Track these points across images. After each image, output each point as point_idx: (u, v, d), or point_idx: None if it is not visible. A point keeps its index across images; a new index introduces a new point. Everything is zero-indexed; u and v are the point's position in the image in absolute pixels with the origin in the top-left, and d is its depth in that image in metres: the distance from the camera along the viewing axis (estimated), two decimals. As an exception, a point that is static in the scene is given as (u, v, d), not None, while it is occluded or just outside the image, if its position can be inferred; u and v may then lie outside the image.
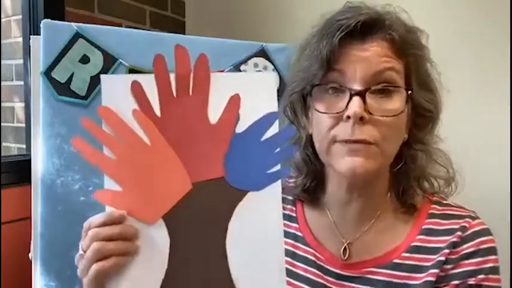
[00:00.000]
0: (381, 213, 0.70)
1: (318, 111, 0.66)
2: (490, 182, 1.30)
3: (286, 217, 0.78)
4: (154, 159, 0.61)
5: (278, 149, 0.62)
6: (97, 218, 0.59)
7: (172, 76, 0.62)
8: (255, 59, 1.22)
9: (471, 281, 0.63)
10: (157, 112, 0.61)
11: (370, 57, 0.63)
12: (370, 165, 0.62)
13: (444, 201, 0.71)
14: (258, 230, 0.62)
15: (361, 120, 0.61)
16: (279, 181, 0.62)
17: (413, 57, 0.66)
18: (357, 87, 0.62)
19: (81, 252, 0.60)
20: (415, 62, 0.66)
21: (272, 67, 1.24)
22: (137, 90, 0.61)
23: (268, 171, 0.62)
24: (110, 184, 0.61)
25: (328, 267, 0.71)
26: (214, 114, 0.62)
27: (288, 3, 1.71)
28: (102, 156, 0.60)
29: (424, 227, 0.68)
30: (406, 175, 0.69)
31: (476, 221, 0.67)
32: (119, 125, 0.60)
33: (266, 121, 0.62)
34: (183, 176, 0.62)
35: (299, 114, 0.72)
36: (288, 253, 0.74)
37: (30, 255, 0.99)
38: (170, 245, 0.62)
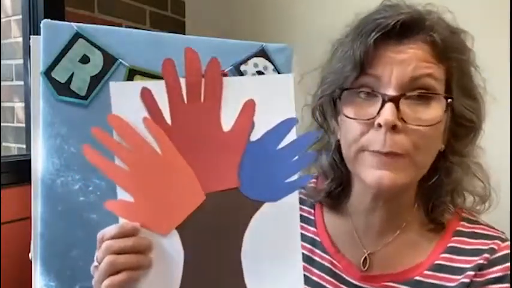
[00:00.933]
0: (406, 226, 0.66)
1: (347, 116, 0.62)
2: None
3: (304, 219, 0.74)
4: (166, 169, 0.59)
5: (296, 157, 0.59)
6: (110, 230, 0.58)
7: (183, 81, 0.58)
8: (255, 59, 1.22)
9: None
10: (168, 120, 0.59)
11: (407, 60, 0.58)
12: (399, 178, 0.58)
13: (473, 218, 0.67)
14: (275, 243, 0.59)
15: (393, 129, 0.57)
16: (297, 191, 0.59)
17: (455, 61, 0.61)
18: (391, 92, 0.58)
19: (95, 263, 0.59)
20: (458, 67, 0.61)
21: (272, 67, 1.23)
22: (147, 98, 0.58)
23: (286, 181, 0.59)
24: (122, 195, 0.59)
25: (345, 276, 0.67)
26: (228, 121, 0.59)
27: (288, 3, 1.71)
28: (114, 166, 0.58)
29: (449, 245, 0.64)
30: (438, 189, 0.64)
31: (506, 244, 0.63)
32: (130, 134, 0.58)
33: (283, 128, 0.59)
34: (196, 186, 0.59)
35: (329, 118, 0.68)
36: (304, 258, 0.70)
37: (30, 255, 0.99)
38: (184, 256, 0.60)
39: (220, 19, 1.86)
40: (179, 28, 1.96)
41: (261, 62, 1.28)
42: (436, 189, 0.65)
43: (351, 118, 0.62)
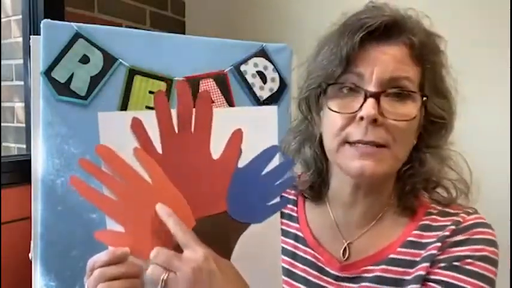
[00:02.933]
0: (383, 215, 0.70)
1: (332, 110, 0.65)
2: (490, 182, 1.30)
3: (287, 216, 0.78)
4: (156, 197, 0.60)
5: (278, 182, 0.63)
6: (101, 257, 0.59)
7: (173, 112, 0.60)
8: (255, 59, 1.22)
9: (456, 263, 0.63)
10: (159, 149, 0.60)
11: (388, 60, 0.62)
12: (379, 168, 0.62)
13: (446, 202, 0.70)
14: (259, 257, 0.62)
15: (374, 122, 0.61)
16: (279, 212, 0.62)
17: (430, 63, 0.65)
18: (373, 89, 0.62)
19: None
20: (431, 68, 0.65)
21: (272, 67, 1.24)
22: (137, 127, 0.59)
23: (269, 203, 0.62)
24: (111, 225, 0.60)
25: (327, 268, 0.71)
26: (217, 149, 0.62)
27: (288, 3, 1.71)
28: (102, 197, 0.59)
29: (421, 223, 0.68)
30: (413, 178, 0.68)
31: (472, 216, 0.66)
32: (119, 165, 0.59)
33: (267, 155, 0.63)
34: (187, 213, 0.61)
35: (313, 111, 0.72)
36: (288, 253, 0.74)
37: (30, 255, 0.99)
38: None
39: (220, 19, 1.86)
40: (179, 28, 1.96)
41: (261, 62, 1.28)
42: (411, 178, 0.69)
43: (334, 111, 0.65)
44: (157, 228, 0.60)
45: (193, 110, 0.61)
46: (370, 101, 0.61)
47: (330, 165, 0.72)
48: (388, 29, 0.63)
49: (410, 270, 0.65)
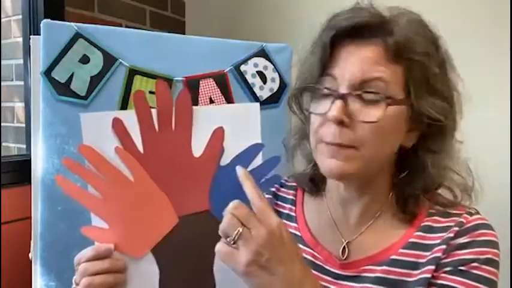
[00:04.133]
0: (381, 214, 0.70)
1: (308, 111, 0.68)
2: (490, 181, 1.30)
3: (285, 216, 0.78)
4: (139, 195, 0.62)
5: (263, 179, 0.64)
6: (85, 253, 0.62)
7: (154, 111, 0.62)
8: (255, 59, 1.22)
9: (462, 268, 0.62)
10: (140, 148, 0.62)
11: (359, 62, 0.62)
12: (346, 167, 0.63)
13: (448, 203, 0.69)
14: None
15: (341, 123, 0.61)
16: None
17: (415, 62, 0.62)
18: (342, 90, 0.62)
19: (74, 286, 0.63)
20: (419, 67, 0.63)
21: (272, 67, 1.24)
22: (118, 127, 0.61)
23: None
24: (96, 221, 0.62)
25: (326, 267, 0.71)
26: (198, 147, 0.63)
27: (288, 3, 1.71)
28: (87, 194, 0.61)
29: (423, 224, 0.67)
30: (412, 184, 0.67)
31: (475, 217, 0.66)
32: (101, 164, 0.61)
33: (250, 153, 0.64)
34: (169, 210, 0.63)
35: (304, 109, 0.73)
36: None
37: (30, 255, 0.99)
38: (160, 276, 0.64)
39: (220, 19, 1.86)
40: (179, 28, 1.96)
41: (261, 61, 1.28)
42: (410, 184, 0.68)
43: (311, 112, 0.67)
44: (140, 225, 0.63)
45: (173, 108, 0.62)
46: (337, 102, 0.62)
47: None
48: (361, 29, 0.63)
49: (414, 272, 0.65)
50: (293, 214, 0.78)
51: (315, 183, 0.76)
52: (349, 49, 0.63)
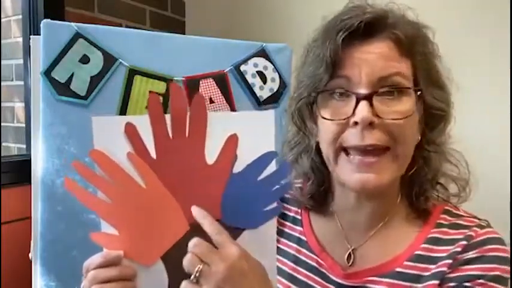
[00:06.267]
0: (390, 219, 0.68)
1: (324, 118, 0.63)
2: (490, 181, 1.30)
3: (291, 219, 0.76)
4: (150, 202, 0.61)
5: (276, 187, 0.63)
6: (94, 260, 0.60)
7: (167, 117, 0.61)
8: (255, 59, 1.22)
9: (467, 284, 0.60)
10: (153, 154, 0.60)
11: (375, 60, 0.60)
12: (382, 178, 0.60)
13: (456, 211, 0.68)
14: None
15: (370, 125, 0.59)
16: (275, 218, 0.62)
17: (420, 55, 0.63)
18: (363, 91, 0.60)
19: None
20: (424, 60, 0.63)
21: (272, 67, 1.23)
22: (131, 133, 0.60)
23: (265, 209, 0.62)
24: (106, 228, 0.61)
25: (330, 275, 0.69)
26: (212, 154, 0.62)
27: (288, 3, 1.71)
28: (96, 200, 0.60)
29: (430, 235, 0.65)
30: (420, 179, 0.66)
31: (485, 230, 0.63)
32: (112, 169, 0.59)
33: (264, 160, 0.63)
34: (180, 217, 0.61)
35: (307, 121, 0.69)
36: (291, 257, 0.73)
37: (30, 255, 0.99)
38: (169, 283, 0.62)
39: (220, 19, 1.86)
40: (179, 28, 1.96)
41: (261, 62, 1.28)
42: (418, 180, 0.66)
43: (327, 119, 0.63)
44: (151, 232, 0.61)
45: (188, 113, 0.61)
46: (363, 103, 0.59)
47: (331, 173, 0.70)
48: (370, 27, 0.61)
49: (417, 285, 0.63)
50: (299, 217, 0.76)
51: (316, 199, 0.73)
52: (360, 48, 0.61)
